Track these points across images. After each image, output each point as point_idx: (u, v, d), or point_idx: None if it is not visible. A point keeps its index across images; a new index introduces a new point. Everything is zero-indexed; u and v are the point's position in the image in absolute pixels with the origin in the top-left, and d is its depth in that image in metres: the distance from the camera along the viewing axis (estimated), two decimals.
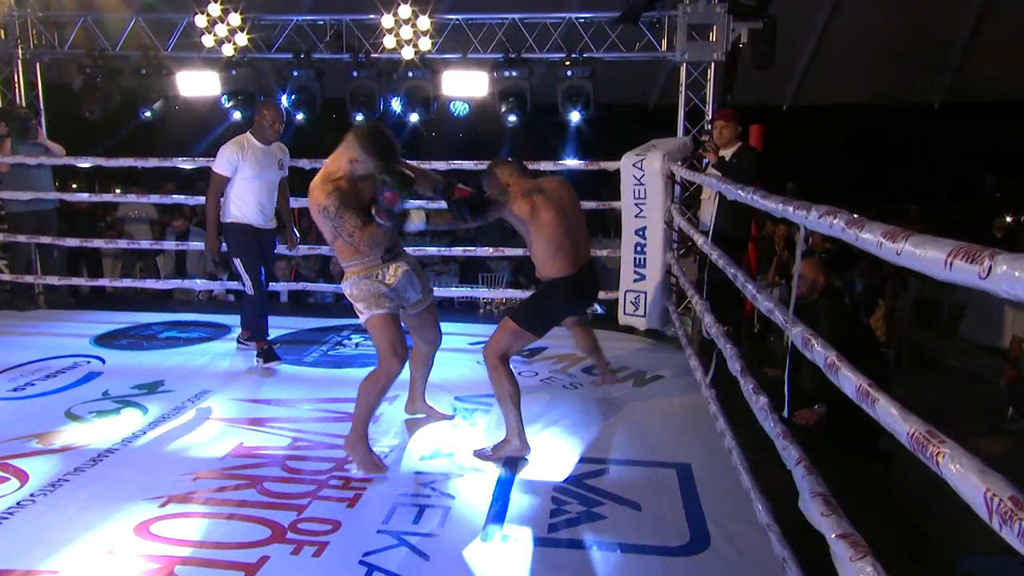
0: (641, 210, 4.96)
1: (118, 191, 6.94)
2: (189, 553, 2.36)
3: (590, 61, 5.95)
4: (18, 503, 2.65)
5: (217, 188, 4.23)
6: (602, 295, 5.49)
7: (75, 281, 5.93)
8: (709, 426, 3.29)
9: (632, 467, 3.09)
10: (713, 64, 5.70)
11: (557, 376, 4.28)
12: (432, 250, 6.27)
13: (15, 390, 3.90)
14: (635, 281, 5.07)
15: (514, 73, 5.98)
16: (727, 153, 4.65)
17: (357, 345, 4.94)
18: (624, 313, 5.16)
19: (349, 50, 6.24)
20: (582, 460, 3.13)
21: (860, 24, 8.05)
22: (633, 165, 4.93)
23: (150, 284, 6.38)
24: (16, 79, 6.40)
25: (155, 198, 6.06)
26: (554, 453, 3.21)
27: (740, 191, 2.58)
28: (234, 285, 6.00)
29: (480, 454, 3.16)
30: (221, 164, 4.22)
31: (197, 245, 6.81)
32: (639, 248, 5.02)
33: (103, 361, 4.45)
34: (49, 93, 6.59)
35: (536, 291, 3.45)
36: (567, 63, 5.96)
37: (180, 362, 4.43)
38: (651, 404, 3.86)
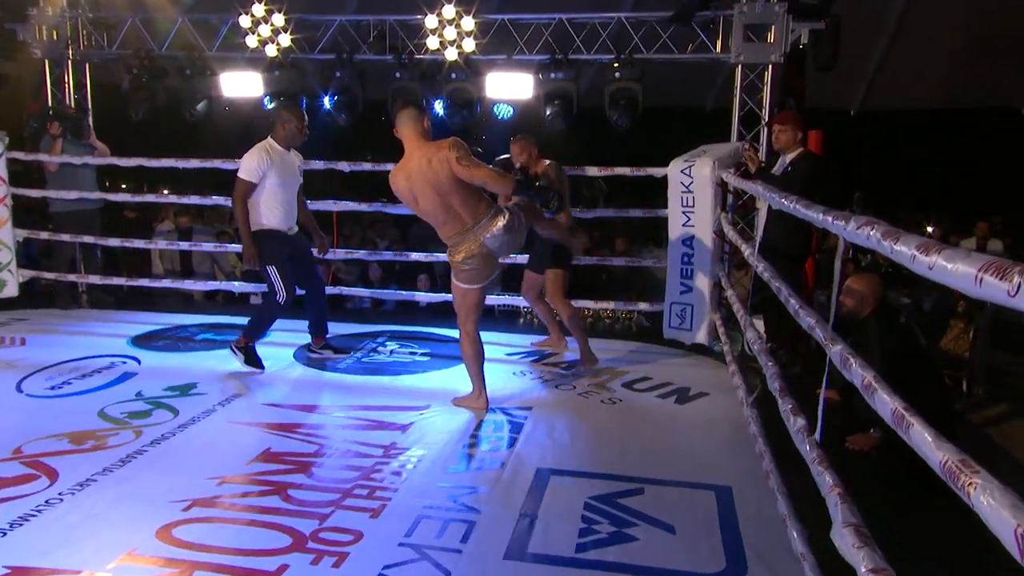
0: (689, 219, 4.91)
1: (166, 192, 7.23)
2: (208, 558, 2.42)
3: (640, 63, 5.94)
4: (46, 501, 2.77)
5: (245, 194, 4.30)
6: (647, 307, 5.49)
7: (116, 281, 6.17)
8: (752, 447, 3.23)
9: (669, 487, 3.06)
10: (771, 66, 5.62)
11: (594, 390, 4.27)
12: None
13: (52, 388, 4.08)
14: (682, 293, 5.02)
15: (560, 75, 6.01)
16: (786, 159, 4.57)
17: (392, 352, 5.02)
18: (669, 326, 5.12)
19: (392, 51, 6.37)
20: (616, 478, 3.11)
21: (936, 20, 7.73)
22: (681, 172, 4.89)
23: (188, 286, 6.60)
24: (66, 79, 6.73)
25: (195, 199, 6.27)
26: (586, 469, 3.20)
27: (784, 201, 2.54)
28: (250, 288, 6.20)
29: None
30: (249, 170, 4.29)
31: (234, 248, 7.02)
32: (686, 259, 4.98)
33: (139, 362, 4.62)
34: (97, 93, 6.91)
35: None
36: (616, 64, 5.96)
37: (214, 365, 4.57)
38: (693, 422, 3.82)
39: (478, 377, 3.90)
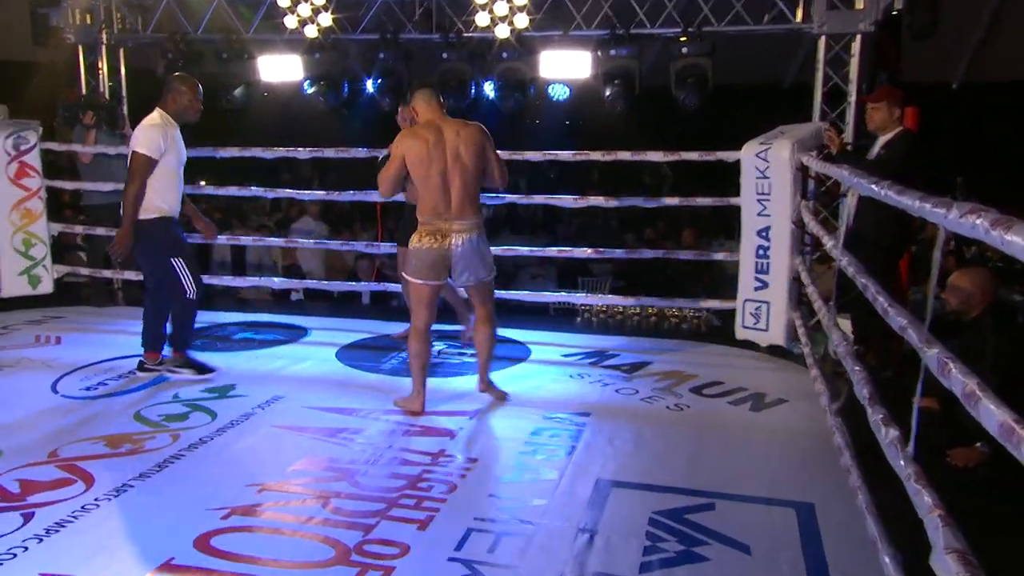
0: (765, 207, 4.84)
1: (203, 183, 7.42)
2: (248, 570, 2.49)
3: (710, 36, 5.83)
4: (82, 507, 2.88)
5: (145, 173, 4.05)
6: (718, 304, 5.41)
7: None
8: (837, 461, 3.15)
9: (744, 503, 3.02)
10: (859, 36, 5.44)
11: (660, 395, 4.24)
12: (525, 250, 6.34)
13: (87, 389, 4.25)
14: (756, 290, 4.95)
15: (621, 52, 5.94)
16: (882, 140, 4.43)
17: (439, 353, 5.06)
18: (743, 326, 5.06)
19: (439, 30, 6.40)
20: (683, 491, 3.09)
21: None
22: (756, 155, 4.81)
23: (227, 282, 6.77)
24: (100, 66, 6.98)
25: (233, 190, 6.42)
26: (651, 481, 3.18)
27: (873, 186, 2.46)
28: (293, 284, 6.27)
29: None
30: (151, 144, 4.06)
31: (275, 241, 7.19)
32: (761, 251, 4.90)
33: None
34: (132, 80, 7.14)
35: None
36: (683, 39, 5.87)
37: (253, 366, 4.69)
38: (770, 432, 3.77)
39: (419, 376, 3.97)
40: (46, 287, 5.89)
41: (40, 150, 5.83)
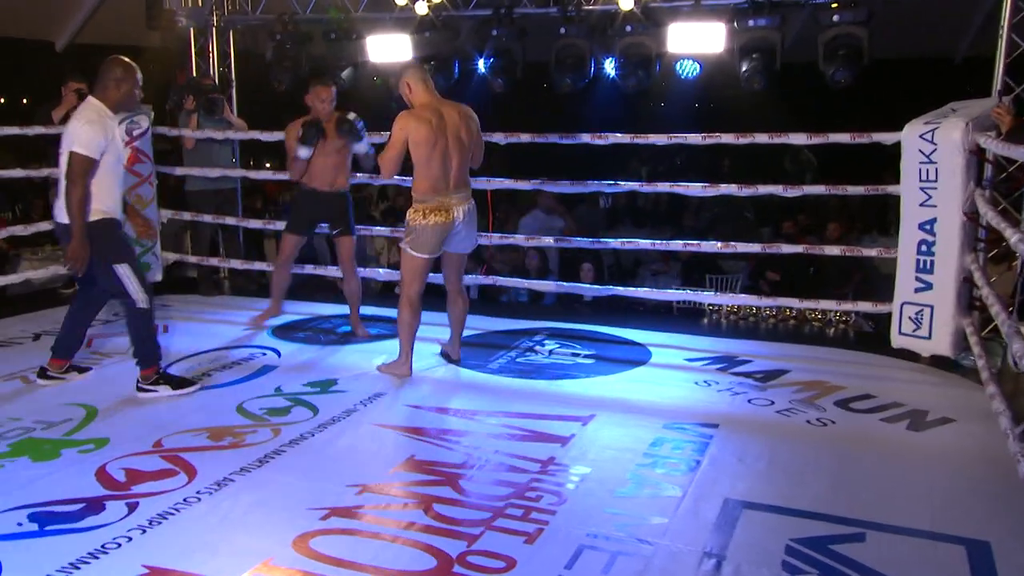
0: (929, 196, 4.58)
1: (267, 165, 7.70)
2: (346, 575, 2.54)
3: (866, 1, 5.53)
4: (184, 499, 3.03)
5: (86, 175, 3.90)
6: (870, 307, 5.13)
7: (258, 266, 6.67)
8: (1020, 493, 2.96)
9: (901, 536, 2.84)
10: None
11: (799, 408, 4.07)
12: (647, 243, 6.22)
13: None
14: (917, 291, 4.70)
15: (761, 22, 5.72)
16: None
17: (551, 352, 5.04)
18: (900, 332, 4.82)
19: (557, 4, 6.36)
20: (827, 518, 2.94)
21: None
22: (921, 137, 4.55)
23: (334, 273, 6.98)
24: (210, 49, 7.36)
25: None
26: (788, 505, 3.05)
27: None
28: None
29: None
30: (90, 143, 3.89)
31: (381, 231, 7.36)
32: (924, 247, 4.65)
33: (279, 354, 4.96)
34: (241, 63, 7.49)
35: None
36: (834, 5, 5.59)
37: (355, 360, 4.81)
38: (933, 456, 3.55)
39: (408, 344, 4.47)
40: (155, 275, 6.24)
41: (152, 135, 6.18)
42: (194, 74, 7.25)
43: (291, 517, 2.91)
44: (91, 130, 3.91)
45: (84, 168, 3.90)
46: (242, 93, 7.37)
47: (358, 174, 5.83)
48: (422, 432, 3.76)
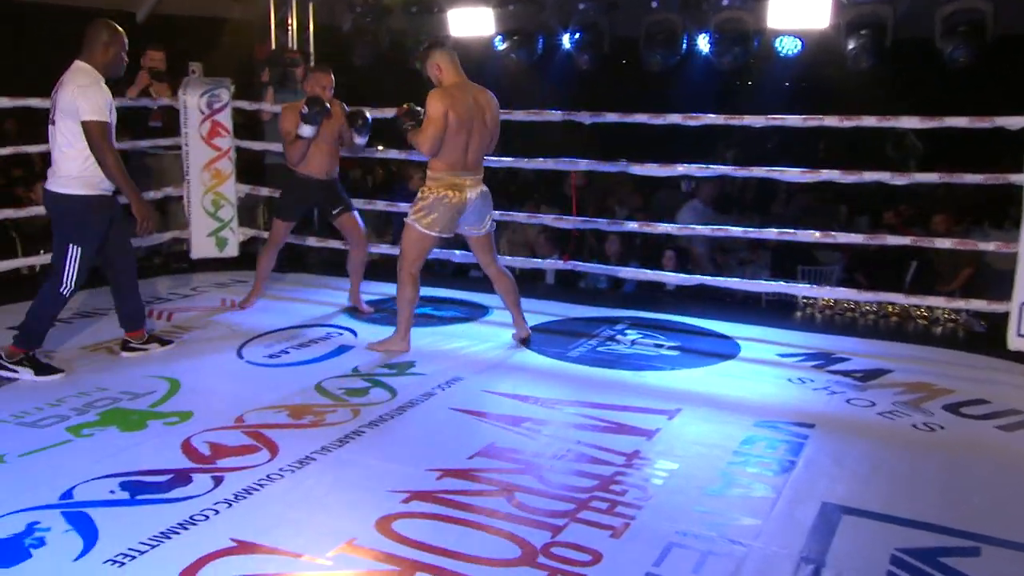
0: None
1: (379, 148, 7.81)
2: (431, 559, 2.61)
3: None
4: (268, 476, 3.15)
5: (109, 139, 3.97)
6: (983, 306, 4.99)
7: (332, 244, 6.81)
8: None
9: (1021, 553, 2.78)
10: None
11: (903, 411, 3.99)
12: (738, 231, 6.14)
13: (270, 356, 4.63)
14: None
15: None
16: None
17: (633, 343, 5.04)
18: (1019, 334, 4.69)
19: None
20: (936, 529, 2.89)
21: None
22: None
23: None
24: (290, 21, 7.52)
25: (393, 153, 6.64)
26: (893, 512, 3.00)
27: None
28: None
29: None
30: (99, 107, 3.93)
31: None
32: None
33: (355, 334, 5.08)
34: (320, 36, 7.64)
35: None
36: None
37: (432, 343, 4.90)
38: None
39: (407, 321, 4.68)
40: (232, 250, 6.45)
41: (231, 109, 6.37)
42: (273, 47, 7.43)
43: (373, 498, 3.00)
44: (92, 94, 3.93)
45: (103, 133, 3.95)
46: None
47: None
48: (501, 419, 3.81)
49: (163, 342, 4.66)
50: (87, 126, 3.92)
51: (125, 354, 4.52)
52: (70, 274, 4.07)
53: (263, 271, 5.61)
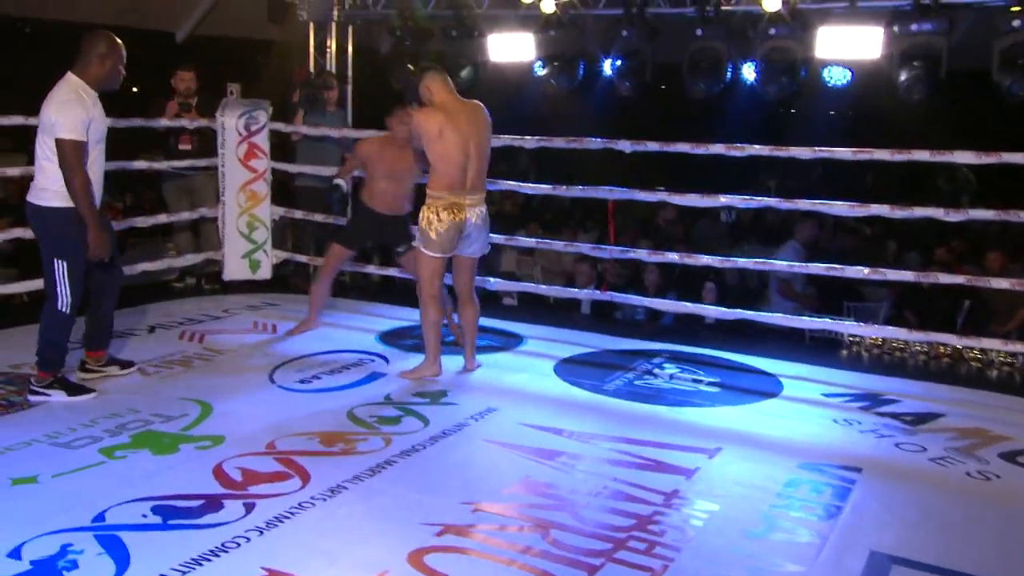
0: None
1: None
2: None
3: None
4: (299, 504, 3.18)
5: (82, 160, 3.95)
6: None
7: (366, 268, 6.89)
8: None
9: None
10: None
11: (956, 457, 3.93)
12: (782, 265, 6.10)
13: (302, 382, 4.67)
14: None
15: (926, 26, 5.56)
16: None
17: (671, 377, 5.02)
18: None
19: (694, 3, 6.35)
20: None
21: None
22: None
23: (449, 281, 7.14)
24: (329, 44, 7.67)
25: None
26: (945, 565, 2.95)
27: None
28: (508, 286, 6.40)
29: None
30: (74, 125, 3.91)
31: (496, 239, 7.48)
32: None
33: (387, 360, 5.13)
34: (360, 59, 7.78)
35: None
36: (1014, 9, 5.37)
37: (464, 372, 4.92)
38: None
39: (435, 344, 4.74)
40: (265, 272, 6.54)
41: (269, 130, 6.48)
42: (311, 69, 7.57)
43: (405, 530, 3.01)
44: (69, 110, 3.92)
45: (76, 152, 3.93)
46: (358, 90, 7.64)
47: None
48: (536, 453, 3.81)
49: (123, 364, 4.59)
50: (60, 144, 3.93)
51: (81, 375, 4.44)
52: (63, 290, 4.08)
53: (318, 298, 5.56)
